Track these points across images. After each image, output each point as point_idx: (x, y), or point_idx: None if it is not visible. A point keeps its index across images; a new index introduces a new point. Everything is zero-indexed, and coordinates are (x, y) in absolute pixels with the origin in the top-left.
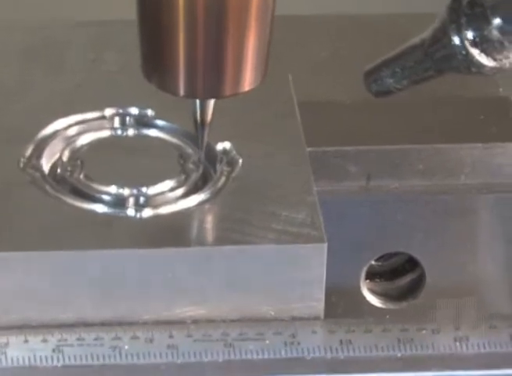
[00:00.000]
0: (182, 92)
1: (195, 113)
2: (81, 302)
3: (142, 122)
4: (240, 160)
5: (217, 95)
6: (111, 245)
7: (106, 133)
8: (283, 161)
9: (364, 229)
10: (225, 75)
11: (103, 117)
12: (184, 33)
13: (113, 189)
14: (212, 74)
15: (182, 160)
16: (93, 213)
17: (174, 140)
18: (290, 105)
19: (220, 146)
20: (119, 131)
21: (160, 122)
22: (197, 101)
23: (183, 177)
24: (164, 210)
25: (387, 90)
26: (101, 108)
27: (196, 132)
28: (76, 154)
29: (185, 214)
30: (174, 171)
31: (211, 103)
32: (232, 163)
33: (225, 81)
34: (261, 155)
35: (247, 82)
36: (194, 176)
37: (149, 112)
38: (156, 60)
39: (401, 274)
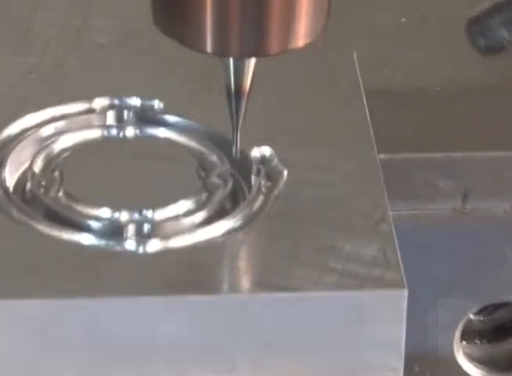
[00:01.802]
0: (210, 47)
1: (228, 78)
2: (60, 370)
3: (146, 118)
4: (285, 172)
5: (259, 53)
6: (103, 292)
7: (95, 133)
8: (345, 173)
9: (459, 269)
10: (270, 24)
11: (91, 111)
12: None
13: (105, 212)
14: (252, 23)
15: (203, 171)
16: (77, 247)
17: (191, 143)
18: (355, 93)
19: (256, 153)
20: (114, 131)
21: (171, 118)
22: (231, 61)
23: (205, 195)
24: (178, 242)
25: (499, 44)
26: (88, 98)
27: (228, 107)
28: (53, 163)
29: (208, 248)
30: (191, 188)
31: (251, 64)
32: (273, 175)
33: (269, 33)
34: (313, 165)
35: (301, 34)
36: (220, 194)
37: (157, 103)
38: (176, 7)
39: (510, 334)
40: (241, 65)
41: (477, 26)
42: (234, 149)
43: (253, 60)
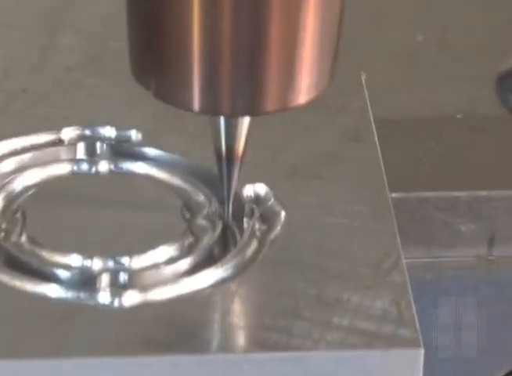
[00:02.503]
0: (197, 105)
1: (218, 139)
2: None
3: (121, 151)
4: (283, 214)
5: (254, 111)
6: (72, 353)
7: (63, 168)
8: (352, 215)
9: (485, 325)
10: (266, 78)
11: (59, 143)
12: (202, 15)
13: (75, 260)
14: (245, 77)
15: (189, 212)
16: (43, 299)
17: (174, 180)
18: (364, 123)
19: (249, 191)
20: (84, 166)
21: (150, 151)
22: (222, 120)
23: (190, 240)
24: (159, 294)
25: None
26: (55, 128)
27: (218, 172)
28: (14, 203)
29: (194, 301)
30: (174, 231)
31: (245, 123)
32: (268, 217)
33: (265, 88)
34: (315, 205)
35: (303, 89)
36: (208, 239)
37: (134, 134)
38: (155, 56)
39: None
40: (233, 125)
41: (507, 82)
42: (226, 207)
43: (247, 119)
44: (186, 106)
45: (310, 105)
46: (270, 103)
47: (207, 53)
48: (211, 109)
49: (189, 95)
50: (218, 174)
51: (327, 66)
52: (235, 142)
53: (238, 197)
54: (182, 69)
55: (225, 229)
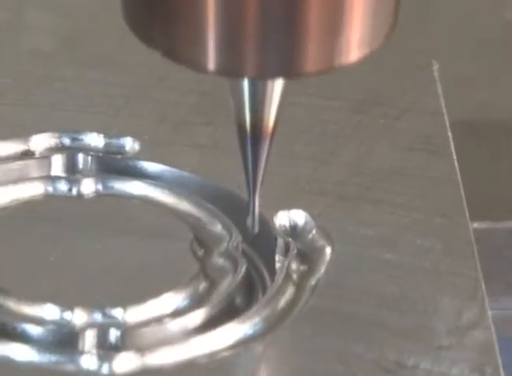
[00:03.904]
0: (214, 63)
1: (240, 111)
2: None
3: (112, 166)
4: (328, 250)
5: (290, 71)
6: None
7: (33, 189)
8: (421, 251)
9: None
10: (306, 28)
11: (27, 154)
12: None
13: (50, 311)
14: (278, 27)
15: (202, 248)
16: (9, 364)
17: (182, 205)
18: (437, 127)
19: (284, 219)
20: (62, 186)
21: (150, 166)
22: (246, 85)
23: (203, 286)
24: (162, 357)
25: None
26: (23, 134)
27: (241, 152)
28: None
29: (207, 367)
30: (183, 274)
31: (276, 89)
32: (309, 254)
33: (305, 41)
34: (371, 239)
35: (353, 44)
36: (227, 284)
37: (129, 144)
38: (163, 5)
39: None
40: (262, 91)
41: None
42: (250, 219)
43: (280, 84)
44: (201, 65)
45: (363, 104)
46: (310, 62)
47: None
48: (233, 69)
49: (204, 52)
50: (242, 159)
51: (384, 16)
52: (263, 116)
53: (268, 228)
54: (195, 19)
55: (251, 270)
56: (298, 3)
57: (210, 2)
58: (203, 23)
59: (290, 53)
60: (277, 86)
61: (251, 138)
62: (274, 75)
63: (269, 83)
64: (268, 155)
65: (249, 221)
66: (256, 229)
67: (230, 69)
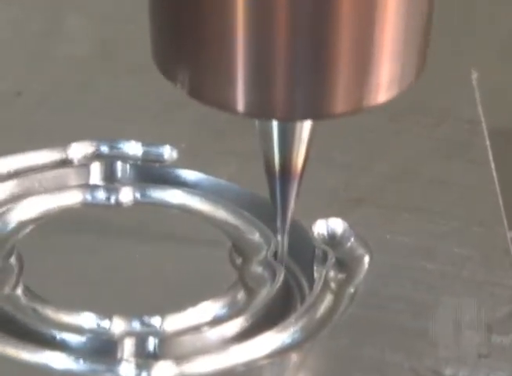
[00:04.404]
0: (242, 105)
1: (269, 150)
2: None
3: (151, 174)
4: (366, 258)
5: (318, 113)
6: None
7: (71, 197)
8: (459, 260)
9: None
10: (335, 71)
11: (66, 163)
12: None
13: (88, 320)
14: (307, 70)
15: (240, 257)
16: (45, 372)
17: (221, 214)
18: (475, 135)
19: (322, 228)
20: (101, 194)
21: (189, 174)
22: (275, 126)
23: (242, 295)
24: (200, 366)
25: None
26: (62, 143)
27: (269, 192)
28: (8, 243)
29: (246, 374)
30: (221, 282)
31: (305, 129)
32: (347, 263)
33: (334, 84)
34: (410, 247)
35: (382, 85)
36: (266, 293)
37: (167, 152)
38: (190, 42)
39: None
40: (290, 132)
41: None
42: (279, 255)
43: (308, 124)
44: (229, 106)
45: (400, 111)
46: (339, 103)
47: (256, 38)
48: (261, 110)
49: (232, 93)
50: (270, 196)
51: (414, 56)
52: (292, 157)
53: (306, 236)
54: (224, 58)
55: (289, 279)
56: (326, 47)
57: (239, 45)
58: (232, 65)
59: (319, 95)
60: (306, 127)
61: (280, 178)
62: (303, 117)
63: (298, 124)
64: (297, 194)
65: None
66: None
67: (259, 111)
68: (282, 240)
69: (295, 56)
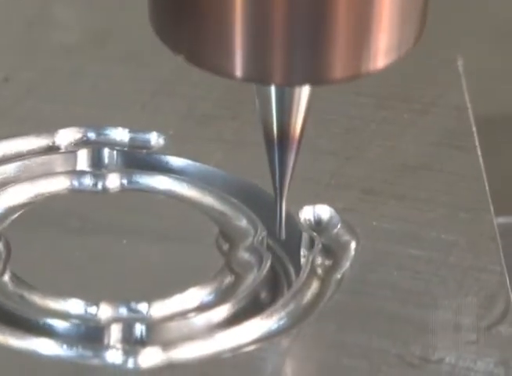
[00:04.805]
0: (240, 70)
1: (267, 116)
2: None
3: (137, 161)
4: (353, 244)
5: (316, 79)
6: None
7: (58, 184)
8: (445, 246)
9: None
10: (333, 35)
11: (53, 149)
12: None
13: (75, 306)
14: (305, 34)
15: (227, 243)
16: (33, 358)
17: (207, 200)
18: (462, 122)
19: (308, 214)
20: (88, 180)
21: (175, 161)
22: (273, 91)
23: (229, 280)
24: (187, 352)
25: None
26: (49, 129)
27: (268, 158)
28: None
29: (232, 362)
30: (208, 268)
31: (304, 95)
32: (334, 249)
33: (332, 49)
34: (396, 233)
35: (381, 50)
36: (252, 278)
37: (154, 139)
38: (188, 6)
39: None
40: (289, 98)
41: None
42: (278, 227)
43: (307, 90)
44: (227, 71)
45: (387, 99)
46: (337, 68)
47: (254, 2)
48: (259, 75)
49: (230, 58)
50: (269, 165)
51: (412, 23)
52: (290, 123)
53: (293, 222)
54: (222, 24)
55: (276, 265)
56: (325, 11)
57: (238, 9)
58: (230, 29)
59: (317, 60)
60: (304, 92)
61: (278, 144)
62: (301, 82)
63: (296, 90)
64: (295, 161)
65: (277, 228)
66: (283, 235)
67: (257, 76)
68: (280, 208)
69: (293, 21)
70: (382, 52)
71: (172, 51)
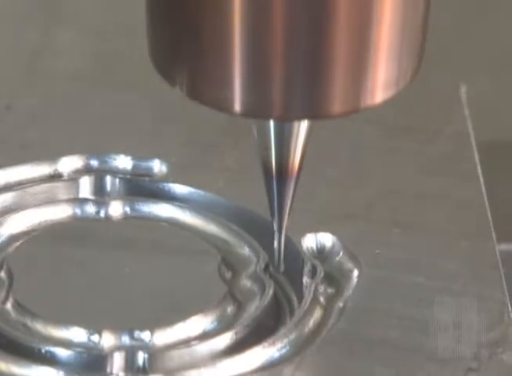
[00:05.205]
0: (239, 105)
1: (266, 150)
2: None
3: (140, 188)
4: (355, 272)
5: (315, 113)
6: None
7: (61, 212)
8: (448, 275)
9: None
10: (332, 70)
11: (55, 176)
12: None
13: (78, 334)
14: (305, 71)
15: (229, 271)
16: None
17: (210, 228)
18: (464, 150)
19: (311, 242)
20: (90, 208)
21: (179, 188)
22: (272, 126)
23: (231, 308)
24: None
25: None
26: (51, 157)
27: (266, 192)
28: None
29: None
30: (210, 296)
31: (302, 130)
32: (336, 277)
33: (331, 84)
34: (398, 262)
35: (379, 85)
36: (255, 307)
37: (157, 166)
38: (188, 42)
39: None
40: (288, 132)
41: None
42: (277, 259)
43: (305, 124)
44: (226, 106)
45: (391, 128)
46: (336, 103)
47: (253, 38)
48: (258, 110)
49: (229, 93)
50: (268, 198)
51: (410, 57)
52: (289, 157)
53: (295, 250)
54: (221, 59)
55: (278, 293)
56: (323, 47)
57: (236, 45)
58: (229, 64)
59: (316, 95)
60: (303, 127)
61: (277, 178)
62: (300, 117)
63: (295, 124)
64: (294, 195)
65: (275, 260)
66: (282, 268)
67: (256, 110)
68: (279, 242)
69: (292, 57)
70: (380, 88)
71: (171, 86)
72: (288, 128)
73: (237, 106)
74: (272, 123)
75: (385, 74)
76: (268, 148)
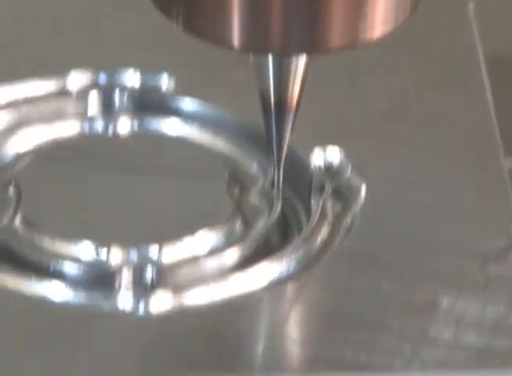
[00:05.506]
0: (237, 40)
1: (264, 84)
2: None
3: (148, 104)
4: (363, 189)
5: (313, 48)
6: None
7: (69, 128)
8: (456, 191)
9: None
10: (330, 5)
11: (64, 93)
12: None
13: (86, 249)
14: (303, 5)
15: (237, 187)
16: (44, 303)
17: (218, 143)
18: (472, 64)
19: (319, 157)
20: (98, 124)
21: (187, 103)
22: (270, 61)
23: (239, 225)
24: (198, 297)
25: None
26: (60, 72)
27: (264, 126)
28: (6, 174)
29: (242, 306)
30: (218, 213)
31: (300, 65)
32: (345, 194)
33: (329, 19)
34: (405, 178)
35: (378, 20)
36: (263, 223)
37: (165, 81)
38: None
39: None
40: (286, 67)
41: None
42: (274, 189)
43: (303, 60)
44: (223, 41)
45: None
46: (334, 38)
47: None
48: (256, 45)
49: (228, 28)
50: (265, 131)
51: None
52: (287, 91)
53: (303, 166)
54: None
55: (286, 209)
56: None
57: None
58: (229, 2)
59: (314, 30)
60: (301, 63)
61: (275, 112)
62: (298, 52)
63: (293, 59)
64: (291, 130)
65: (273, 190)
66: (280, 199)
67: (255, 46)
68: (277, 176)
69: None
70: (379, 22)
71: (169, 20)
72: (287, 62)
73: (236, 41)
74: (270, 58)
75: (384, 8)
76: (266, 83)
